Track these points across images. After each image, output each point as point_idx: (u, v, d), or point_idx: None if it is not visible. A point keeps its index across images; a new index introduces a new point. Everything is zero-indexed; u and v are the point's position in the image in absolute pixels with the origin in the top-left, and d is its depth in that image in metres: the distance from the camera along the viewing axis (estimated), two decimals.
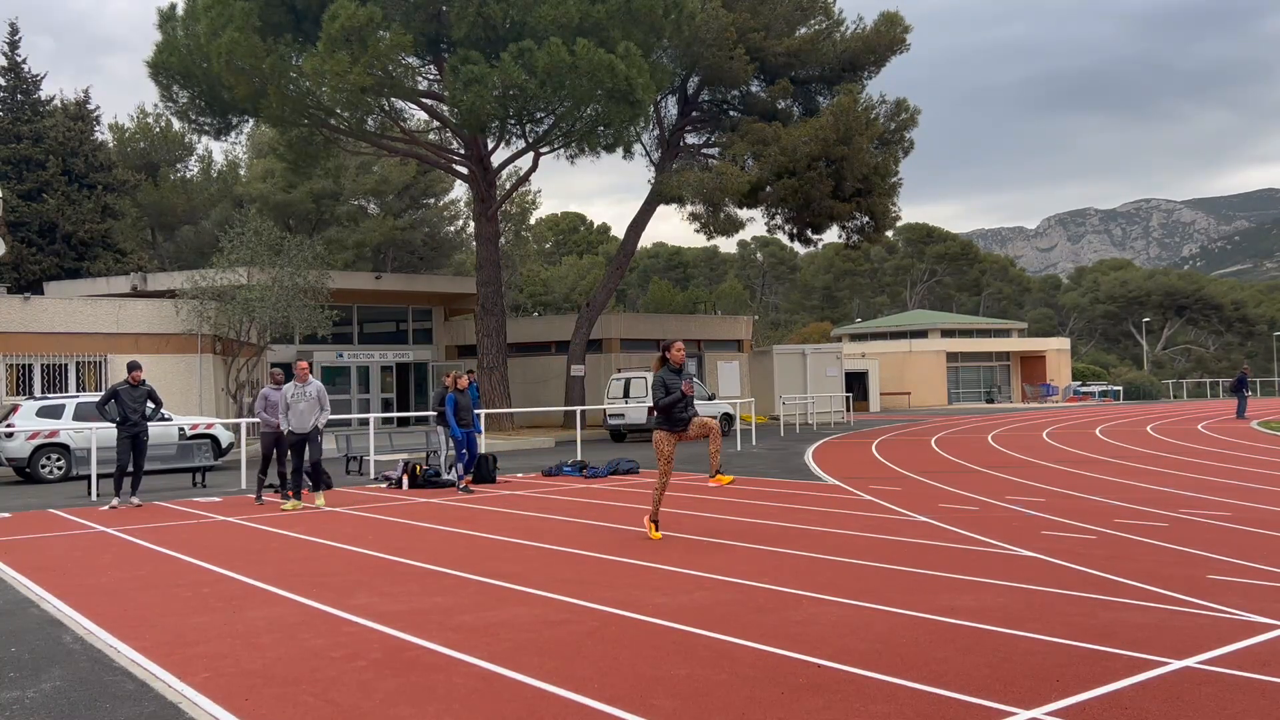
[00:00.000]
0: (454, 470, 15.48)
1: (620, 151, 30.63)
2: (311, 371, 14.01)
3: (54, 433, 19.21)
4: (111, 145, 46.68)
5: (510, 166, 38.53)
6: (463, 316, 41.18)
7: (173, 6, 28.79)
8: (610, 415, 28.99)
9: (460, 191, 54.20)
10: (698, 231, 37.93)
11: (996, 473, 15.90)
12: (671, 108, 34.90)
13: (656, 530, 9.86)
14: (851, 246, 37.43)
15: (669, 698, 4.82)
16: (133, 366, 14.12)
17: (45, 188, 41.39)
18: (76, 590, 7.90)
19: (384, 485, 16.37)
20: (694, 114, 35.30)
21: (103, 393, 15.76)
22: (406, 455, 18.91)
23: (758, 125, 31.49)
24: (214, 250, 30.51)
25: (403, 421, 33.95)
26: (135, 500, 14.03)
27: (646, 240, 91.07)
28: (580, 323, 34.55)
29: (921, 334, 60.27)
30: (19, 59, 43.92)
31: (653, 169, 34.52)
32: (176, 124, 42.70)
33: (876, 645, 5.68)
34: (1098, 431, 26.60)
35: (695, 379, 9.96)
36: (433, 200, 54.71)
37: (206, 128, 31.14)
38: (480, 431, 16.38)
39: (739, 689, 4.93)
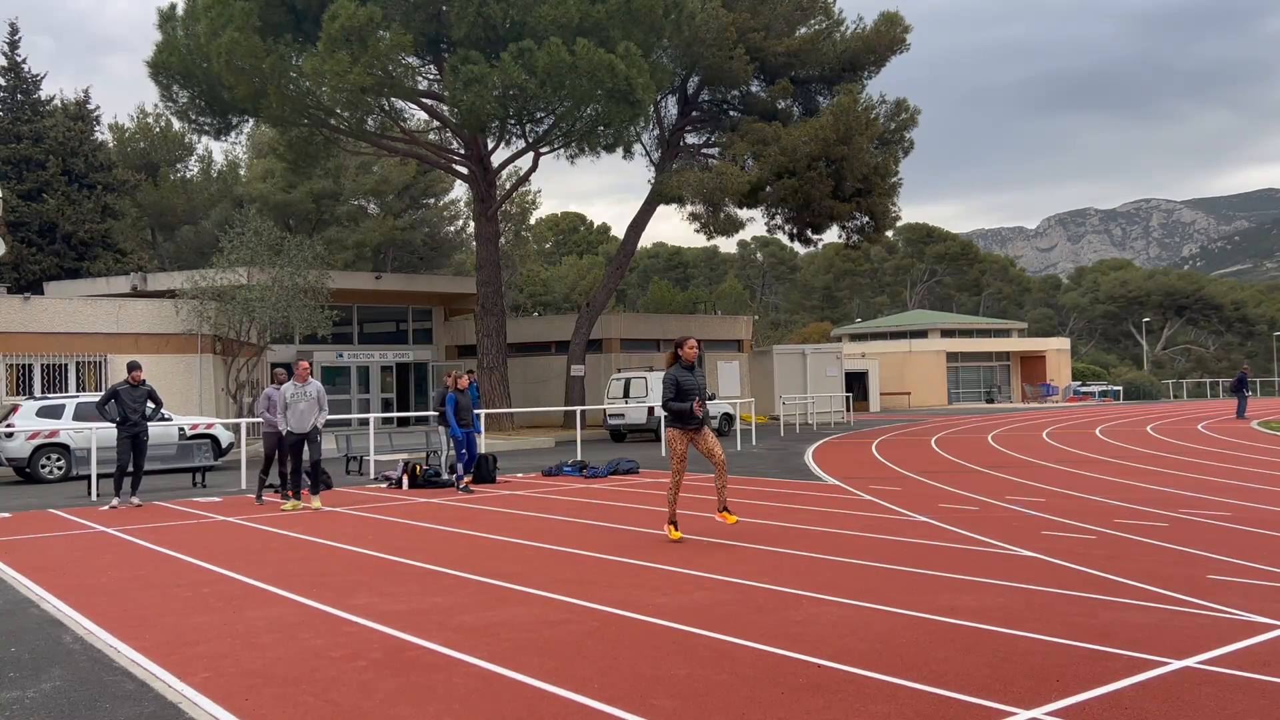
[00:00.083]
0: (455, 470, 15.47)
1: (620, 151, 30.65)
2: (311, 372, 13.99)
3: (54, 433, 19.21)
4: (111, 145, 46.68)
5: (510, 166, 38.56)
6: (463, 316, 41.18)
7: (173, 6, 28.80)
8: (610, 415, 29.00)
9: (460, 191, 54.26)
10: (698, 231, 37.96)
11: (996, 473, 15.90)
12: (671, 108, 34.90)
13: (676, 531, 9.61)
14: (851, 246, 37.43)
15: (669, 698, 4.82)
16: (133, 366, 14.12)
17: (45, 188, 41.40)
18: (76, 590, 7.90)
19: (384, 485, 16.37)
20: (694, 114, 35.30)
21: (103, 393, 15.75)
22: (406, 455, 18.91)
23: (758, 125, 31.49)
24: (214, 250, 30.52)
25: (403, 421, 33.95)
26: (135, 500, 14.03)
27: (646, 240, 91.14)
28: (580, 323, 34.55)
29: (921, 334, 60.27)
30: (19, 59, 43.95)
31: (653, 169, 34.52)
32: (176, 124, 42.72)
33: (876, 645, 5.68)
34: (1098, 431, 26.60)
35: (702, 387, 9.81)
36: (433, 200, 54.71)
37: (206, 128, 31.15)
38: (480, 432, 16.38)
39: (739, 689, 4.93)
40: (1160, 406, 47.85)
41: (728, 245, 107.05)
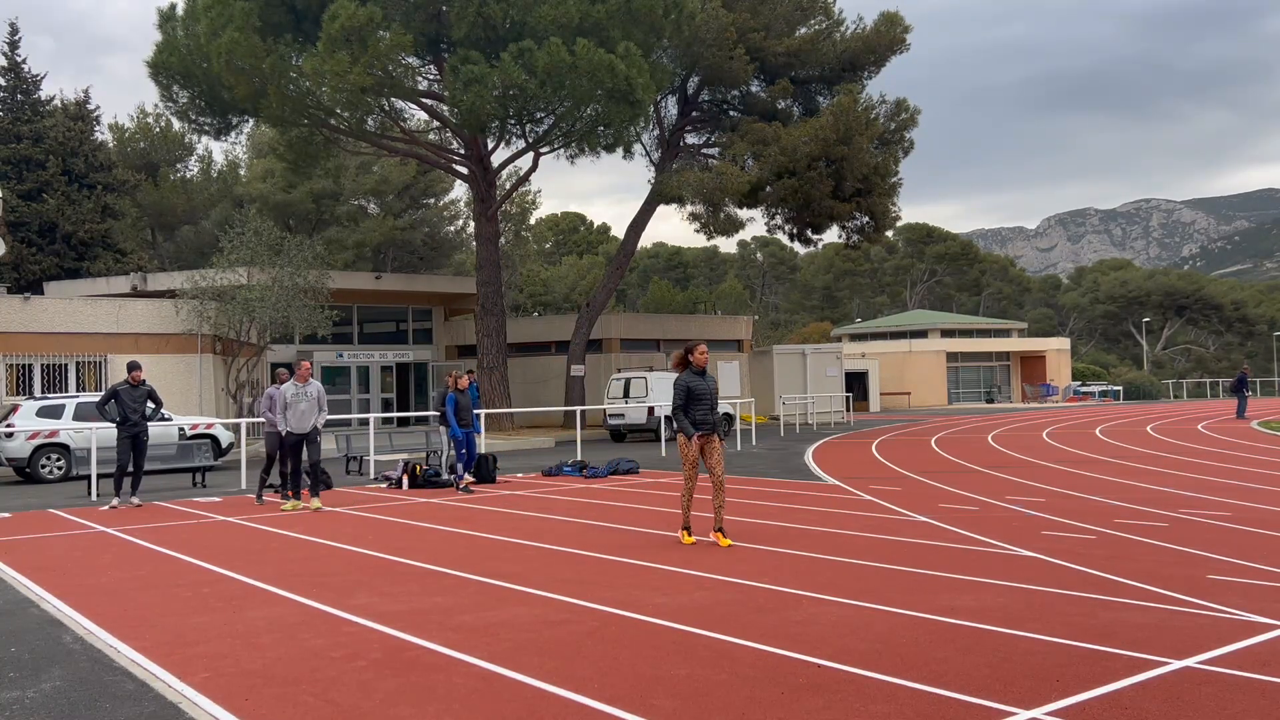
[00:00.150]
0: (455, 470, 15.46)
1: (620, 151, 30.66)
2: (311, 372, 13.97)
3: (54, 433, 19.20)
4: (111, 145, 46.68)
5: (510, 166, 38.57)
6: (463, 316, 41.18)
7: (173, 6, 28.81)
8: (610, 415, 29.00)
9: (460, 191, 54.26)
10: (698, 231, 37.96)
11: (996, 473, 15.90)
12: (671, 108, 34.91)
13: (690, 536, 9.50)
14: (851, 246, 37.43)
15: (669, 698, 4.82)
16: (133, 366, 14.12)
17: (45, 188, 41.40)
18: (76, 590, 7.90)
19: (384, 485, 16.37)
20: (694, 114, 35.30)
21: (103, 393, 15.75)
22: (406, 455, 18.91)
23: (758, 125, 31.49)
24: (214, 250, 30.52)
25: (403, 421, 33.95)
26: (135, 500, 14.03)
27: (646, 240, 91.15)
28: (580, 323, 34.55)
29: (921, 334, 60.27)
30: (19, 59, 43.94)
31: (653, 169, 34.53)
32: (176, 124, 42.73)
33: (876, 645, 5.68)
34: (1098, 431, 26.60)
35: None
36: (433, 200, 54.71)
37: (206, 128, 31.15)
38: (480, 432, 16.38)
39: (739, 689, 4.93)
40: (1160, 406, 47.85)
41: (728, 245, 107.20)
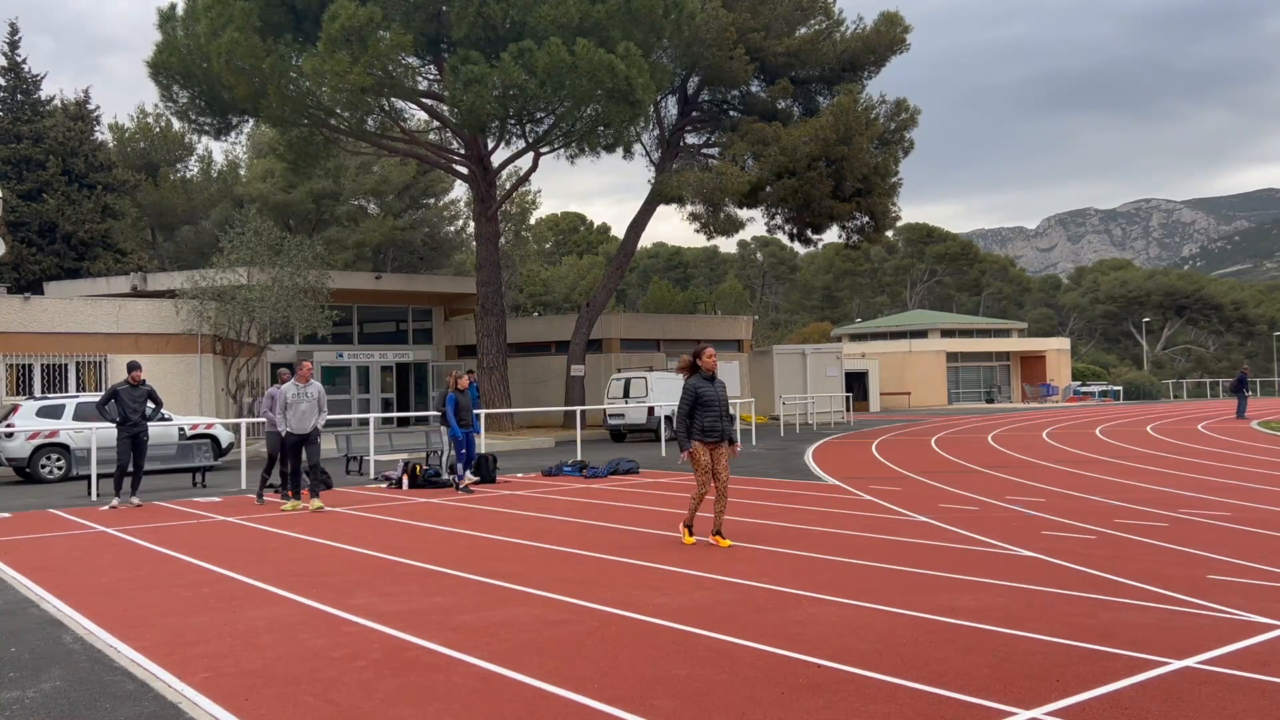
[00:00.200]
0: (455, 470, 15.46)
1: (620, 151, 30.66)
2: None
3: (54, 433, 19.21)
4: (111, 145, 46.68)
5: (510, 166, 38.57)
6: (463, 316, 41.19)
7: (173, 6, 28.81)
8: (610, 415, 28.99)
9: (460, 191, 54.26)
10: (698, 231, 37.96)
11: (996, 473, 15.90)
12: (671, 108, 34.91)
13: (691, 536, 9.51)
14: (851, 246, 37.44)
15: (669, 698, 4.82)
16: (133, 366, 14.12)
17: (45, 188, 41.40)
18: (76, 590, 7.90)
19: (384, 485, 16.37)
20: (694, 114, 35.30)
21: (103, 393, 15.75)
22: (406, 455, 18.91)
23: (758, 125, 31.49)
24: (214, 250, 30.52)
25: (403, 421, 33.95)
26: (135, 500, 14.03)
27: (646, 240, 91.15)
28: (580, 323, 34.56)
29: (921, 334, 60.28)
30: (19, 59, 43.94)
31: (653, 169, 34.53)
32: (176, 124, 42.73)
33: (876, 645, 5.68)
34: (1098, 431, 26.60)
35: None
36: (433, 200, 54.72)
37: (206, 128, 31.16)
38: (479, 432, 16.38)
39: (739, 689, 4.93)
40: (1160, 406, 47.85)
41: (728, 245, 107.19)
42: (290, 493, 13.39)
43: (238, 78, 25.84)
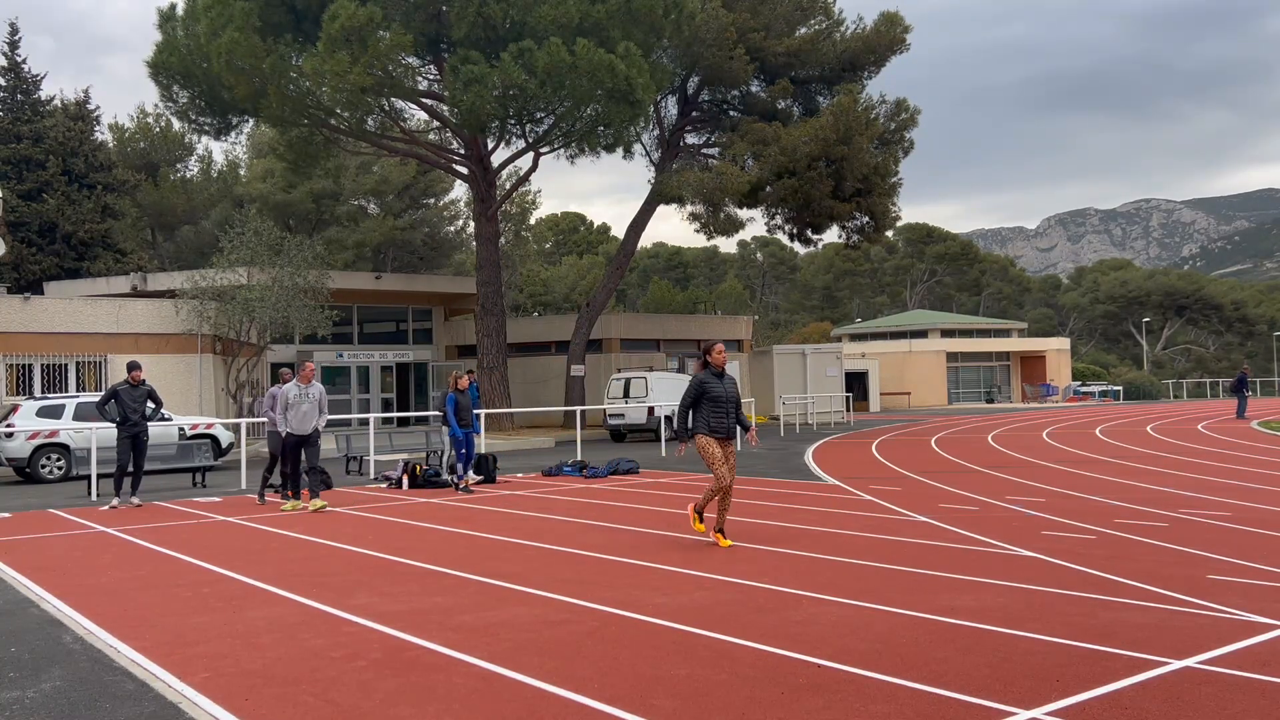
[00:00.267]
0: (455, 470, 15.46)
1: (620, 151, 30.66)
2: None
3: (54, 433, 19.21)
4: (111, 145, 46.68)
5: (510, 166, 38.57)
6: (463, 316, 41.19)
7: (173, 6, 28.81)
8: (610, 415, 28.99)
9: (460, 191, 54.26)
10: (698, 231, 37.96)
11: (996, 473, 15.90)
12: (671, 108, 34.91)
13: (700, 523, 9.56)
14: (851, 246, 37.44)
15: (669, 698, 4.82)
16: (133, 366, 14.11)
17: (45, 188, 41.40)
18: (76, 590, 7.90)
19: (384, 485, 16.37)
20: (694, 114, 35.30)
21: (103, 393, 15.75)
22: (406, 455, 18.91)
23: (758, 125, 31.49)
24: (214, 250, 30.52)
25: (403, 421, 33.95)
26: (135, 500, 14.03)
27: (646, 240, 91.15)
28: (580, 323, 34.55)
29: (921, 334, 60.27)
30: (19, 59, 43.95)
31: (653, 169, 34.53)
32: (176, 124, 42.73)
33: (876, 645, 5.68)
34: (1098, 431, 26.60)
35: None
36: (433, 200, 54.72)
37: (206, 128, 31.15)
38: (479, 432, 16.38)
39: (739, 689, 4.93)
40: (1160, 406, 47.85)
41: (728, 245, 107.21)
42: (290, 493, 13.39)
43: (238, 78, 25.84)
